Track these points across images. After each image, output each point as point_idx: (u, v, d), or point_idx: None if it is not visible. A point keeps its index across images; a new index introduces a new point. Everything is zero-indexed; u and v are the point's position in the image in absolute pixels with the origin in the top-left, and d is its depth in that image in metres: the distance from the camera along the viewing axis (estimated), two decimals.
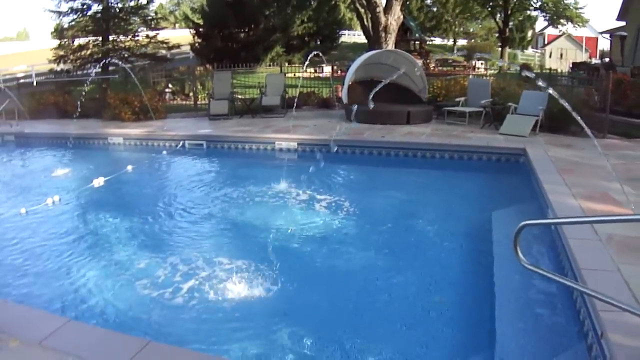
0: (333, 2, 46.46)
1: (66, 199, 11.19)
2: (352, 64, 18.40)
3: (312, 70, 29.93)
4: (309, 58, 16.32)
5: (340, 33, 51.24)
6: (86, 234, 9.25)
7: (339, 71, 29.03)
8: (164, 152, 15.12)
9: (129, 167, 13.42)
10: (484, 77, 20.45)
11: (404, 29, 38.85)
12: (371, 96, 12.92)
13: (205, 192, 11.60)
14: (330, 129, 15.17)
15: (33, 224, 9.70)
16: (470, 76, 22.36)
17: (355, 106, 15.41)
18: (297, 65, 34.16)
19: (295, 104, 17.14)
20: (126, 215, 10.17)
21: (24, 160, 16.23)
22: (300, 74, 22.85)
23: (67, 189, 11.99)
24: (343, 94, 17.27)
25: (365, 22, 27.19)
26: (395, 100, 16.58)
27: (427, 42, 55.87)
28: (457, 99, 16.11)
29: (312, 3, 42.91)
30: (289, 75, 23.25)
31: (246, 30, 39.46)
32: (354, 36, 65.27)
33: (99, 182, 12.21)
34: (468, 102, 16.00)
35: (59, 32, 30.05)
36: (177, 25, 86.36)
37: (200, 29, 40.46)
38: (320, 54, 18.12)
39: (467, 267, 7.53)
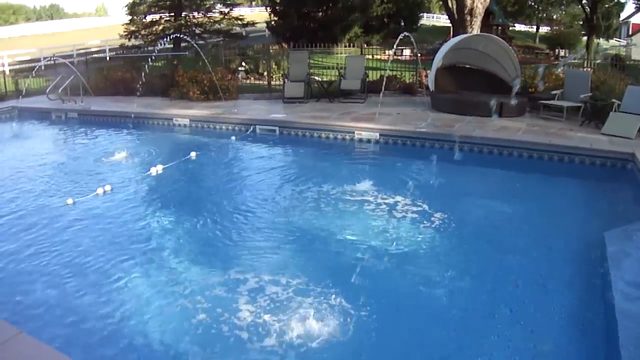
0: None
1: (118, 189, 10.13)
2: (436, 48, 16.72)
3: (391, 52, 28.29)
4: (398, 40, 14.69)
5: (420, 15, 49.48)
6: (133, 234, 8.19)
7: (419, 54, 27.39)
8: (233, 137, 13.88)
9: (193, 154, 12.25)
10: (583, 69, 18.41)
11: (486, 13, 36.93)
12: None
13: (275, 189, 10.23)
14: (416, 119, 13.60)
15: (78, 219, 8.74)
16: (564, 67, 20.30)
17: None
18: (375, 47, 32.76)
19: (383, 89, 15.56)
20: (182, 213, 9.06)
21: (82, 141, 15.36)
22: (386, 57, 21.37)
23: (122, 177, 10.99)
24: (430, 80, 15.67)
25: (450, 4, 25.38)
26: (486, 90, 14.95)
27: (510, 28, 53.44)
28: (553, 92, 14.25)
29: None
30: (368, 57, 21.70)
31: (324, 8, 38.11)
32: (433, 19, 63.41)
33: (157, 170, 11.11)
34: (565, 95, 14.14)
35: (131, 7, 29.37)
36: (253, 2, 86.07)
37: (277, 7, 39.22)
38: (411, 37, 16.46)
39: (578, 301, 6.07)
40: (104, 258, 7.23)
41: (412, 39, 17.03)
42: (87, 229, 8.28)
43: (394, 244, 7.47)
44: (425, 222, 8.27)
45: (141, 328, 5.61)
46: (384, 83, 15.82)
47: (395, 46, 15.93)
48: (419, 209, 8.76)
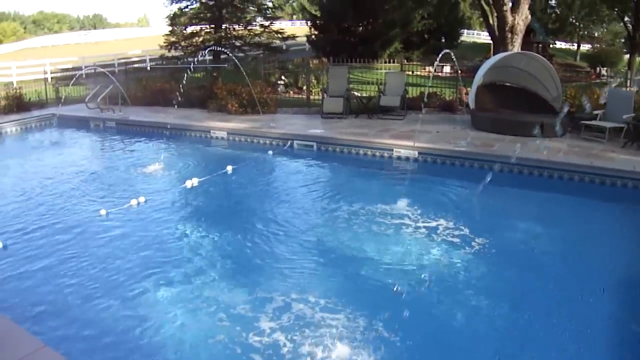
0: None
1: (153, 201, 10.06)
2: (476, 65, 16.36)
3: (431, 69, 28.02)
4: (440, 56, 14.42)
5: (460, 32, 49.06)
6: (165, 247, 8.12)
7: (459, 71, 27.03)
8: (270, 152, 13.64)
9: (229, 168, 12.07)
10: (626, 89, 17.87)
11: (527, 30, 36.46)
12: None
13: (311, 207, 9.99)
14: (455, 137, 13.26)
15: (110, 230, 8.73)
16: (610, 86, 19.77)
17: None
18: (415, 63, 32.44)
19: (423, 106, 15.27)
20: (215, 228, 8.90)
21: (119, 151, 15.30)
22: (426, 73, 21.09)
23: (156, 189, 10.95)
24: (470, 98, 15.32)
25: (491, 21, 25.03)
26: (526, 109, 14.55)
27: (550, 46, 52.69)
28: (595, 112, 13.81)
29: None
30: (407, 73, 21.41)
31: (364, 23, 37.89)
32: (473, 35, 62.90)
33: (192, 183, 10.97)
34: (607, 116, 13.68)
35: (172, 18, 29.45)
36: (294, 17, 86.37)
37: (318, 21, 39.16)
38: (452, 54, 16.16)
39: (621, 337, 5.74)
40: (134, 271, 7.16)
41: (453, 56, 16.72)
42: (118, 241, 8.21)
43: (430, 266, 7.24)
44: (462, 244, 7.98)
45: (165, 343, 5.58)
46: (424, 100, 15.54)
47: (436, 63, 15.68)
48: (456, 231, 8.46)
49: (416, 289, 6.63)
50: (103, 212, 9.28)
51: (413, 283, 6.75)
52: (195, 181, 10.99)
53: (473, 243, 8.03)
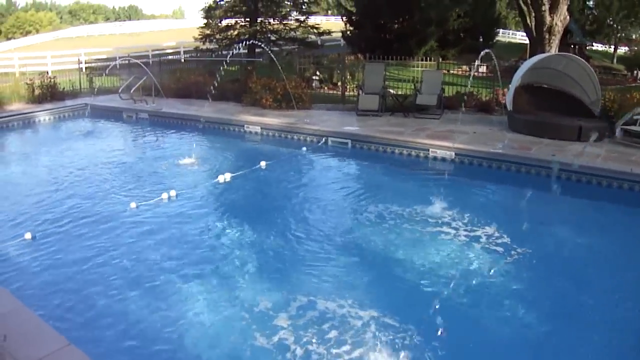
0: None
1: (184, 195, 9.92)
2: (511, 65, 15.96)
3: (466, 67, 27.67)
4: (480, 55, 14.09)
5: (496, 31, 48.49)
6: (195, 243, 7.97)
7: (498, 72, 26.68)
8: (304, 148, 13.43)
9: (262, 163, 11.88)
10: None
11: (564, 31, 35.92)
12: None
13: (345, 206, 9.80)
14: (492, 139, 12.91)
15: (140, 224, 8.59)
16: None
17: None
18: (451, 61, 32.09)
19: (463, 107, 14.95)
20: (247, 224, 8.67)
21: (151, 143, 15.29)
22: (461, 72, 20.79)
23: (188, 183, 10.77)
24: (507, 99, 14.96)
25: (528, 22, 24.60)
26: (564, 112, 14.16)
27: (587, 47, 51.86)
28: (635, 117, 13.39)
29: None
30: (443, 71, 21.08)
31: (400, 20, 37.54)
32: (509, 35, 62.19)
33: (224, 178, 10.79)
34: None
35: (207, 11, 29.38)
36: (329, 12, 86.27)
37: (353, 17, 38.90)
38: (492, 53, 15.81)
39: None
40: (163, 266, 7.07)
41: (494, 56, 16.36)
42: (148, 235, 8.10)
43: (464, 271, 6.99)
44: (498, 249, 7.72)
45: (191, 339, 5.52)
46: (464, 100, 15.22)
47: (477, 62, 15.34)
48: (493, 235, 8.20)
49: (449, 294, 6.37)
50: (133, 205, 9.16)
51: (446, 287, 6.51)
52: (227, 176, 10.83)
53: (509, 248, 7.77)
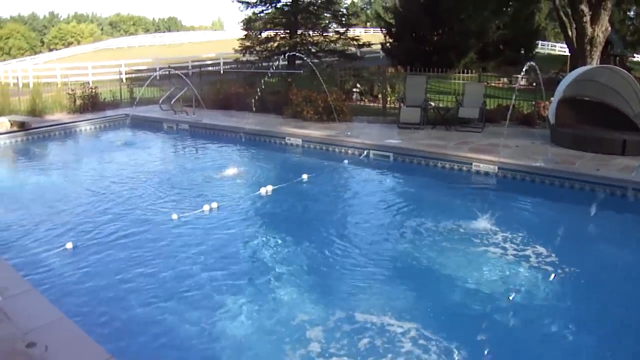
0: (531, 10, 43.45)
1: (225, 207, 9.89)
2: (551, 77, 15.65)
3: (505, 80, 27.39)
4: (524, 69, 13.90)
5: (535, 43, 48.02)
6: (236, 256, 7.97)
7: (534, 84, 26.35)
8: (345, 161, 13.34)
9: (304, 176, 11.82)
10: None
11: (605, 43, 35.48)
12: None
13: (387, 220, 9.67)
14: (535, 153, 12.68)
15: (181, 235, 8.60)
16: None
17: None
18: (490, 74, 31.83)
19: (508, 120, 14.71)
20: (288, 238, 8.62)
21: (192, 154, 15.38)
22: (500, 84, 20.51)
23: (230, 195, 10.75)
24: (550, 112, 14.70)
25: (569, 33, 24.29)
26: (607, 125, 13.84)
27: (629, 59, 51.06)
28: None
29: (509, 9, 40.22)
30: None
31: (439, 32, 37.47)
32: (548, 47, 61.57)
33: (266, 190, 10.73)
34: None
35: (247, 23, 29.54)
36: (368, 24, 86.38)
37: (392, 29, 38.90)
38: (536, 66, 15.57)
39: None
40: (203, 278, 7.04)
41: (537, 69, 16.11)
42: (188, 247, 8.08)
43: (508, 288, 6.81)
44: (540, 265, 7.50)
45: (230, 354, 5.48)
46: (509, 113, 14.96)
47: (521, 74, 15.12)
48: (535, 251, 7.96)
49: (493, 311, 6.24)
50: (175, 216, 9.16)
51: (489, 304, 6.38)
52: (269, 188, 10.77)
53: (552, 264, 7.54)
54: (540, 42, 55.07)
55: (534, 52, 46.61)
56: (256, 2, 28.84)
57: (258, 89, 16.60)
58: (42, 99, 19.39)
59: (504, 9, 38.79)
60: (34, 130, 16.70)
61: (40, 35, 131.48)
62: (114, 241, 8.23)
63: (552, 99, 14.98)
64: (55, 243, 8.05)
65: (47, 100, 19.74)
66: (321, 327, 5.78)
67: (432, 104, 17.76)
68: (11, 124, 16.46)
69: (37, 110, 18.77)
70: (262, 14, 29.32)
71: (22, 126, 16.53)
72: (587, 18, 21.76)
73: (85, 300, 6.37)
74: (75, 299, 6.39)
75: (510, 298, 6.23)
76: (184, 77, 20.65)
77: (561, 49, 58.08)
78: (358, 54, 31.50)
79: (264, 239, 8.58)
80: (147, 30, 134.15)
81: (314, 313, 6.11)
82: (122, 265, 7.37)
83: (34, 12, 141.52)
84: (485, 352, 5.23)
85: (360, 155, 13.63)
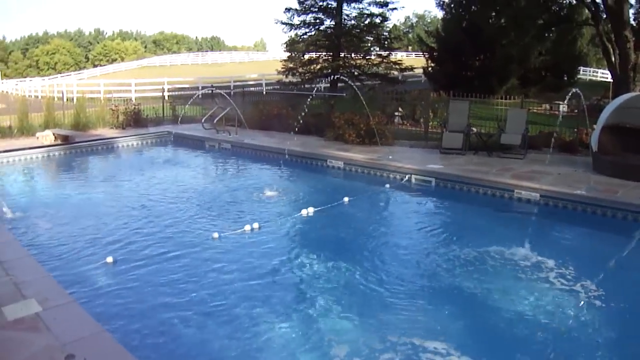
0: (573, 36, 43.16)
1: (267, 228, 9.92)
2: (593, 104, 15.47)
3: (547, 106, 27.17)
4: (569, 96, 13.82)
5: (577, 69, 47.59)
6: (275, 277, 7.92)
7: (575, 110, 26.09)
8: (387, 185, 13.28)
9: (346, 199, 11.80)
10: None
11: None
12: None
13: (427, 245, 9.61)
14: (577, 181, 12.52)
15: (221, 255, 8.66)
16: None
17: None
18: (532, 100, 31.63)
19: (551, 146, 14.59)
20: (328, 261, 8.63)
21: (233, 174, 15.52)
22: (542, 110, 20.39)
23: (271, 215, 10.83)
24: (593, 140, 14.53)
25: (612, 59, 24.10)
26: None
27: None
28: None
29: (551, 35, 39.99)
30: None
31: (481, 58, 37.37)
32: (589, 73, 60.96)
33: (308, 212, 10.75)
34: None
35: (290, 44, 29.80)
36: (410, 48, 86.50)
37: (434, 53, 38.91)
38: (581, 94, 15.49)
39: None
40: (241, 297, 7.07)
41: (582, 95, 15.99)
42: (229, 267, 8.12)
43: (550, 318, 6.70)
44: (583, 294, 7.38)
45: None
46: (552, 140, 14.85)
47: (565, 101, 15.01)
48: (577, 280, 7.88)
49: (535, 339, 6.17)
50: (215, 235, 9.23)
51: (532, 333, 6.31)
52: (310, 210, 10.80)
53: (594, 294, 7.43)
54: (582, 68, 54.53)
55: (575, 78, 46.19)
56: (300, 24, 29.16)
57: (300, 111, 16.70)
58: (85, 114, 19.85)
59: (546, 34, 38.59)
60: (77, 144, 17.07)
61: (85, 51, 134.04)
62: (154, 257, 8.33)
63: (594, 126, 14.83)
64: (96, 257, 8.18)
65: (91, 115, 20.17)
66: (361, 350, 5.78)
67: (474, 129, 17.70)
68: (55, 137, 16.83)
69: (80, 125, 19.19)
70: (305, 36, 29.58)
71: (66, 140, 16.88)
72: (631, 44, 21.63)
73: (124, 315, 6.44)
74: (114, 312, 6.47)
75: (562, 331, 6.14)
76: (227, 97, 20.86)
77: (603, 75, 57.52)
78: (400, 77, 31.55)
79: (304, 260, 8.60)
80: (190, 49, 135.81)
81: (350, 336, 6.12)
82: (161, 281, 7.46)
83: (80, 29, 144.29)
84: None
85: (401, 179, 13.58)
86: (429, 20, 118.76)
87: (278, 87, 30.68)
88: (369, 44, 29.84)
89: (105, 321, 5.82)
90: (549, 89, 36.28)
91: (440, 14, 40.99)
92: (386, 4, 29.60)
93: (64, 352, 4.74)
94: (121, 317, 6.36)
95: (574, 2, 34.92)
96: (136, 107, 21.30)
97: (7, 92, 50.81)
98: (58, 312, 5.61)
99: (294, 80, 29.29)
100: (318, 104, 22.32)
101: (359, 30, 29.36)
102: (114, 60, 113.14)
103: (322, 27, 29.36)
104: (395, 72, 30.01)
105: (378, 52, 29.39)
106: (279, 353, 5.78)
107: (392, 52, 30.08)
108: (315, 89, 20.54)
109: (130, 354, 4.87)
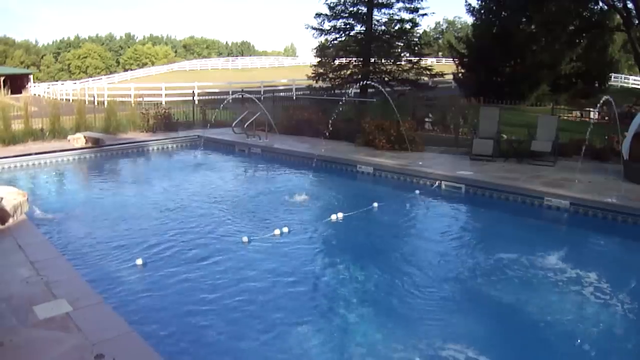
0: (605, 42, 42.77)
1: (296, 232, 10.00)
2: (624, 111, 15.29)
3: (577, 113, 26.97)
4: (600, 103, 13.70)
5: (609, 76, 47.10)
6: (306, 281, 8.02)
7: (606, 117, 25.89)
8: (417, 191, 13.25)
9: (375, 204, 11.83)
10: None
11: None
12: None
13: (458, 252, 9.60)
14: (608, 189, 12.39)
15: (251, 259, 8.74)
16: None
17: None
18: (563, 106, 31.44)
19: (582, 154, 14.46)
20: (357, 265, 8.67)
21: (263, 178, 15.60)
22: (573, 117, 20.26)
23: (301, 220, 10.93)
24: (624, 147, 14.37)
25: None
26: None
27: None
28: None
29: (582, 41, 39.67)
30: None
31: (511, 64, 37.23)
32: (621, 80, 60.26)
33: (337, 217, 10.82)
34: None
35: (320, 49, 29.86)
36: (440, 53, 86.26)
37: (465, 59, 38.83)
38: (612, 101, 15.32)
39: None
40: (270, 301, 7.14)
41: (613, 103, 15.83)
42: (258, 271, 8.17)
43: (580, 326, 6.74)
44: (613, 303, 7.36)
45: None
46: (583, 147, 14.73)
47: (597, 108, 14.89)
48: (608, 289, 7.82)
49: (566, 348, 6.17)
50: (245, 239, 9.30)
51: (563, 341, 6.33)
52: (340, 215, 10.85)
53: (626, 304, 7.39)
54: (613, 75, 53.99)
55: (607, 85, 45.78)
56: (330, 29, 29.20)
57: (331, 116, 16.73)
58: (116, 117, 20.10)
59: (577, 40, 38.28)
60: (108, 147, 17.31)
61: (116, 55, 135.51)
62: (184, 260, 8.43)
63: (625, 133, 14.67)
64: (126, 258, 8.32)
65: (122, 119, 20.42)
66: (382, 354, 5.83)
67: (505, 136, 17.62)
68: (86, 140, 17.04)
69: (111, 128, 19.45)
70: (335, 42, 29.61)
71: (97, 142, 17.10)
72: None
73: (153, 316, 6.54)
74: (143, 314, 6.57)
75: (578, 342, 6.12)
76: (257, 101, 20.96)
77: (635, 81, 56.96)
78: (430, 83, 31.46)
79: (332, 265, 8.67)
80: (220, 54, 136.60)
81: (378, 341, 6.15)
82: (191, 284, 7.54)
83: (111, 33, 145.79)
84: None
85: (431, 185, 13.58)
86: (459, 26, 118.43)
87: (308, 92, 30.73)
88: (399, 50, 29.76)
89: (135, 322, 5.93)
90: (580, 95, 35.99)
91: (470, 19, 40.78)
92: (416, 10, 29.56)
93: (93, 352, 4.84)
94: (150, 318, 6.46)
95: (606, 7, 34.66)
96: (166, 111, 21.51)
97: (39, 95, 51.54)
98: (88, 312, 5.72)
99: (324, 85, 29.34)
100: (348, 109, 22.34)
101: (389, 36, 29.33)
102: (144, 65, 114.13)
103: (352, 33, 29.40)
104: (426, 78, 29.94)
105: (408, 58, 29.31)
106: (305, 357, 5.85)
107: (423, 58, 29.98)
108: (346, 94, 20.52)
109: (158, 354, 4.95)
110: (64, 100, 39.77)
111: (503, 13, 36.85)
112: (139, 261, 8.11)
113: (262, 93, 34.06)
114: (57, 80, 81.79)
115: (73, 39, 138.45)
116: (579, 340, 6.31)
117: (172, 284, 7.53)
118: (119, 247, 8.87)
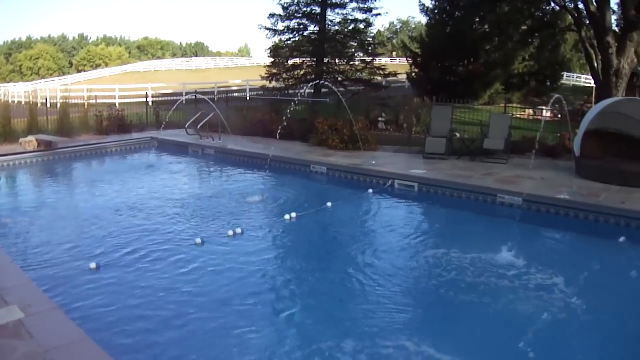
0: (557, 41, 43.46)
1: (249, 233, 9.90)
2: (576, 109, 15.52)
3: (530, 112, 27.31)
4: (552, 102, 13.87)
5: (561, 74, 47.87)
6: (258, 282, 7.92)
7: (558, 115, 26.29)
8: (370, 190, 13.23)
9: (329, 204, 11.79)
10: None
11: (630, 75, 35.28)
12: None
13: (411, 249, 9.62)
14: (560, 185, 12.62)
15: (204, 260, 8.62)
16: None
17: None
18: (516, 105, 31.83)
19: (534, 151, 14.59)
20: (312, 265, 8.70)
21: (217, 179, 15.51)
22: (525, 115, 20.48)
23: (255, 220, 10.81)
24: (575, 144, 14.59)
25: (595, 65, 24.27)
26: (633, 158, 13.72)
27: None
28: None
29: (535, 40, 40.29)
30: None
31: (465, 63, 37.59)
32: (573, 79, 61.33)
33: (291, 217, 10.74)
34: None
35: (274, 50, 29.81)
36: (394, 53, 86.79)
37: (418, 59, 39.09)
38: (563, 99, 15.55)
39: None
40: (225, 302, 7.09)
41: (564, 102, 16.05)
42: (212, 272, 8.10)
43: (529, 323, 6.63)
44: (565, 299, 7.38)
45: None
46: (535, 145, 14.90)
47: (549, 106, 15.09)
48: (560, 284, 7.86)
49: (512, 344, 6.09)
50: (198, 240, 9.20)
51: (514, 337, 6.21)
52: (294, 215, 10.79)
53: (576, 298, 7.40)
54: (565, 74, 54.86)
55: (559, 84, 46.51)
56: (284, 30, 29.10)
57: (284, 117, 16.69)
58: (69, 120, 19.74)
59: (530, 40, 38.79)
60: (61, 150, 16.96)
61: (69, 56, 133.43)
62: (137, 263, 8.28)
63: (577, 131, 14.88)
64: (79, 263, 8.14)
65: (75, 121, 20.09)
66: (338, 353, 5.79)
67: (458, 134, 17.75)
68: (38, 143, 16.70)
69: (64, 131, 19.08)
70: (289, 42, 29.55)
71: (49, 145, 16.76)
72: (613, 50, 21.80)
73: (107, 321, 6.39)
74: (97, 319, 6.42)
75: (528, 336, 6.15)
76: (211, 103, 20.82)
77: (586, 80, 57.88)
78: (384, 83, 31.56)
79: (286, 265, 8.71)
80: (174, 55, 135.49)
81: (330, 339, 6.08)
82: (145, 287, 7.41)
83: (64, 34, 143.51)
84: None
85: (385, 184, 13.58)
86: (413, 26, 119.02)
87: (262, 92, 30.72)
88: (353, 50, 29.78)
89: (88, 327, 5.75)
90: (533, 94, 36.58)
91: (424, 20, 41.25)
92: (370, 10, 29.57)
93: (46, 359, 4.72)
94: (104, 323, 6.31)
95: (558, 8, 35.09)
96: (120, 112, 21.24)
97: None
98: (41, 319, 5.57)
99: (278, 85, 29.31)
100: (302, 109, 22.32)
101: (342, 36, 29.34)
102: (98, 66, 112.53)
103: (306, 33, 29.32)
104: (379, 78, 30.02)
105: (362, 58, 29.35)
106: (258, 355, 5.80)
107: (376, 58, 30.07)
108: (299, 94, 20.46)
109: (112, 359, 4.84)
110: (16, 102, 39.05)
111: (457, 13, 37.16)
112: (93, 265, 7.94)
113: (216, 94, 33.90)
114: (8, 82, 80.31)
115: (25, 40, 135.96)
116: (529, 335, 6.29)
117: (126, 286, 7.41)
118: (72, 250, 8.70)
